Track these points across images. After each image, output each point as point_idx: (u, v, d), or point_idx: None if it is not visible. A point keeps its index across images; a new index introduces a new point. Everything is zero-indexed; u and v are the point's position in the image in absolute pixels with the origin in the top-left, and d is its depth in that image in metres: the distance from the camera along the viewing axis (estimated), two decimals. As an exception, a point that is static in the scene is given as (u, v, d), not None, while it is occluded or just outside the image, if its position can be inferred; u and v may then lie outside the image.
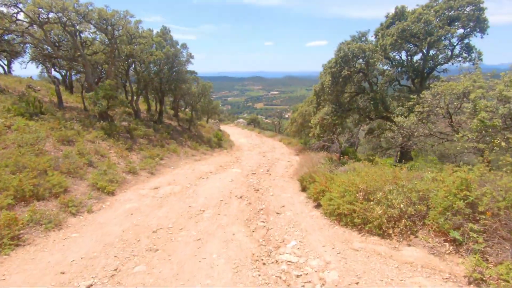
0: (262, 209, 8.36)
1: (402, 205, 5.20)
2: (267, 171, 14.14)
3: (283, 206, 8.23)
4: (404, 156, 12.56)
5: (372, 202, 5.63)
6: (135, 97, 19.13)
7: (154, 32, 20.19)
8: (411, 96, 9.67)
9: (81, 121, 14.08)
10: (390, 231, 5.22)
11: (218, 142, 22.30)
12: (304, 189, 9.76)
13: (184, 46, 21.09)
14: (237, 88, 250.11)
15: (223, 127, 36.20)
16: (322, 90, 12.42)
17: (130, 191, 9.37)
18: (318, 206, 7.76)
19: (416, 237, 5.02)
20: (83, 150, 10.96)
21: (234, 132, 34.06)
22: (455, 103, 7.93)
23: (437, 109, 8.41)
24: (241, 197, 9.33)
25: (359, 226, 5.76)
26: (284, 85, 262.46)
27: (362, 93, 12.68)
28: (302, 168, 13.55)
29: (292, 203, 8.55)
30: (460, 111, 8.21)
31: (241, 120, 48.70)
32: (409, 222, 5.19)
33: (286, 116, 60.15)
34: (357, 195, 5.95)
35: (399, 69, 13.13)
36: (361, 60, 11.64)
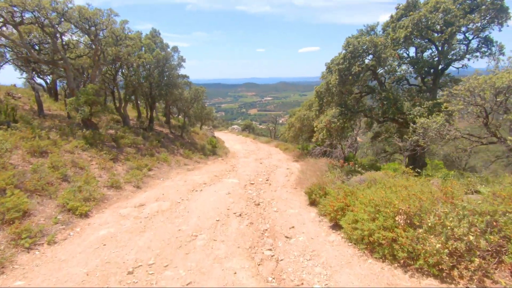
0: (266, 230, 6.78)
1: (471, 236, 3.69)
2: (267, 180, 12.58)
3: (293, 227, 6.63)
4: (417, 161, 11.15)
5: (421, 230, 4.09)
6: (123, 103, 17.43)
7: (143, 35, 18.61)
8: (444, 91, 8.27)
9: (60, 130, 12.37)
10: (454, 273, 3.69)
11: (213, 149, 20.68)
12: (313, 203, 8.20)
13: (175, 49, 19.54)
14: (230, 94, 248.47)
15: (217, 133, 34.60)
16: (328, 91, 10.91)
17: (109, 211, 7.68)
18: (336, 226, 6.21)
19: (495, 282, 3.50)
20: (58, 163, 9.27)
21: (229, 138, 32.50)
22: (498, 98, 6.52)
23: (471, 107, 7.00)
24: (240, 215, 7.73)
25: (403, 261, 4.21)
26: (278, 90, 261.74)
27: (372, 93, 11.22)
28: (305, 176, 12.03)
29: (302, 222, 6.97)
30: (497, 110, 6.82)
31: (235, 126, 47.18)
32: (481, 260, 3.66)
33: (280, 121, 58.78)
34: (397, 218, 4.42)
35: (414, 66, 11.70)
36: (371, 55, 10.22)
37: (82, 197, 7.68)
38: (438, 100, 9.57)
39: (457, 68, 11.36)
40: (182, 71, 20.04)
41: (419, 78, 12.74)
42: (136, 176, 10.88)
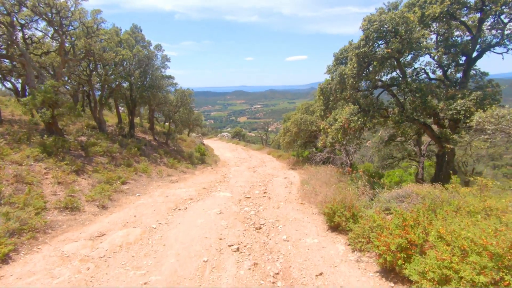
0: (277, 274, 4.41)
1: None
2: (264, 193, 10.21)
3: (320, 273, 4.25)
4: (445, 168, 9.00)
5: None
6: (98, 107, 14.81)
7: (123, 31, 16.15)
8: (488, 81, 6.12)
9: (13, 136, 9.75)
10: None
11: (201, 158, 18.17)
12: (336, 227, 5.87)
13: (158, 47, 17.11)
14: (219, 102, 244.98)
15: (206, 141, 32.06)
16: (341, 84, 8.62)
17: (48, 248, 5.13)
18: (391, 273, 3.89)
19: None
20: (-9, 178, 6.70)
21: (219, 146, 30.03)
22: None
23: None
24: (238, 249, 5.33)
25: None
26: (267, 98, 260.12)
27: (394, 85, 9.00)
28: (312, 188, 9.73)
29: (331, 262, 4.59)
30: None
31: (225, 133, 44.74)
32: None
33: (270, 129, 56.95)
34: None
35: (449, 50, 9.50)
36: (396, 37, 7.94)
37: (6, 230, 5.11)
38: (486, 90, 7.55)
39: (501, 53, 9.29)
40: (166, 72, 17.57)
41: (437, 71, 10.69)
42: (103, 193, 8.35)
